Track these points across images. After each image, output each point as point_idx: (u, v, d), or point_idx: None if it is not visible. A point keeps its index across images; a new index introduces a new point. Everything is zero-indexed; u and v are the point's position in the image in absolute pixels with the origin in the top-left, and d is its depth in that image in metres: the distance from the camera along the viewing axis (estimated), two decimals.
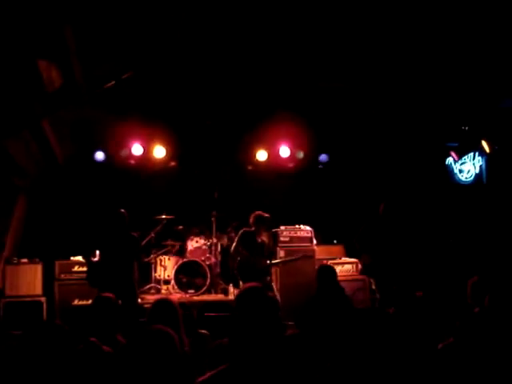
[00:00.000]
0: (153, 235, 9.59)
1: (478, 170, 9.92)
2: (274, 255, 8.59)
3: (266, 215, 8.14)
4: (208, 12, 7.08)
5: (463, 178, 10.08)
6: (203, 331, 4.90)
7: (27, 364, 2.89)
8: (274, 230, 9.01)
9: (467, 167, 10.02)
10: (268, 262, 8.15)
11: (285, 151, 10.18)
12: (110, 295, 4.55)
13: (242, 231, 8.27)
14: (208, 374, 2.91)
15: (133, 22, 6.87)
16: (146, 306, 7.87)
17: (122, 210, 7.45)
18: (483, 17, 7.05)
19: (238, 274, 8.06)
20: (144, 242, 9.01)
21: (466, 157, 10.01)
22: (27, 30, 5.60)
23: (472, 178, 9.98)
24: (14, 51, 5.85)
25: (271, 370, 2.91)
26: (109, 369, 3.13)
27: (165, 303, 4.25)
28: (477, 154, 9.90)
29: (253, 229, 8.16)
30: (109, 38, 6.92)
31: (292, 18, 7.24)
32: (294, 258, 8.71)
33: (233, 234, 9.38)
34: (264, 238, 8.33)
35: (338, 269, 8.40)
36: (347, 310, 4.89)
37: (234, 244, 8.29)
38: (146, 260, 9.29)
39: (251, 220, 8.17)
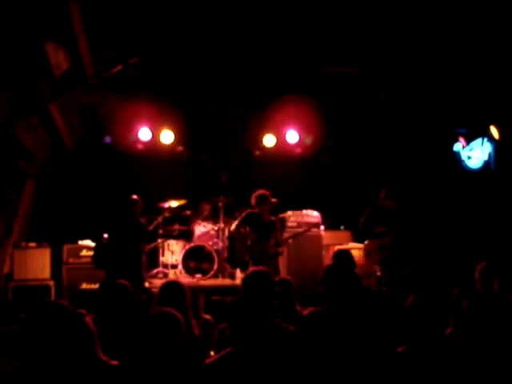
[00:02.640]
0: (160, 220, 9.60)
1: (486, 157, 9.84)
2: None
3: (267, 195, 7.86)
4: None
5: (471, 165, 10.01)
6: (207, 316, 4.90)
7: (32, 344, 2.89)
8: (281, 216, 8.88)
9: (475, 153, 9.94)
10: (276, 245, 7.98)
11: (292, 136, 10.13)
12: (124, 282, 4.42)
13: (246, 211, 8.02)
14: (214, 357, 2.92)
15: (141, 6, 6.85)
16: (153, 290, 7.92)
17: (135, 196, 7.49)
18: (494, 4, 7.00)
19: (248, 257, 7.92)
20: (151, 226, 9.01)
21: (474, 143, 9.94)
22: (34, 10, 5.58)
23: (480, 164, 9.90)
24: (21, 33, 5.84)
25: (273, 354, 2.92)
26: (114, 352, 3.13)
27: (173, 285, 4.26)
28: (485, 140, 9.82)
29: (257, 210, 7.91)
30: (117, 22, 6.91)
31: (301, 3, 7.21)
32: (301, 231, 8.56)
33: None
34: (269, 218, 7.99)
35: None
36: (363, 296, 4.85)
37: (235, 223, 8.09)
38: (154, 244, 9.29)
39: (253, 200, 7.88)
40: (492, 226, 9.16)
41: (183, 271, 9.32)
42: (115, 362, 2.97)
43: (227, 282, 9.27)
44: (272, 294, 3.86)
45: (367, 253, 8.06)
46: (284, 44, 8.14)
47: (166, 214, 9.62)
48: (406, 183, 9.11)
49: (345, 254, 5.98)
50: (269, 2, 7.18)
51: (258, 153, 10.51)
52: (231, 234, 9.28)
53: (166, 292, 4.16)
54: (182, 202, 9.70)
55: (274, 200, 7.89)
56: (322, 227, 9.28)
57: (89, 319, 3.07)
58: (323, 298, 3.84)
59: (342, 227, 10.08)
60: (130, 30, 7.24)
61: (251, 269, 4.20)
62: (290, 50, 8.31)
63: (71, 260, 8.88)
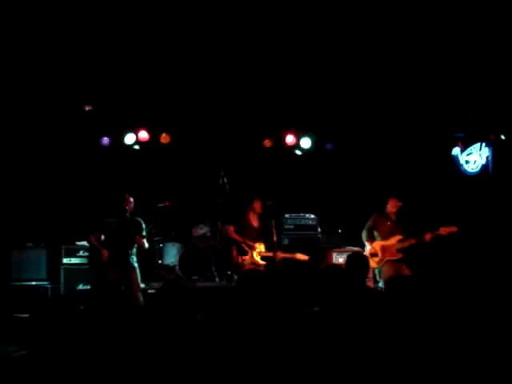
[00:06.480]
0: (158, 221, 9.60)
1: (484, 161, 9.85)
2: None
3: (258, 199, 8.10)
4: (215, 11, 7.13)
5: (469, 169, 10.02)
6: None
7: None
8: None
9: (473, 158, 9.95)
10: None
11: (290, 139, 10.12)
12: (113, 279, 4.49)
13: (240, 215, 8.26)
14: None
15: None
16: (149, 291, 7.94)
17: (127, 195, 7.47)
18: (493, 6, 7.02)
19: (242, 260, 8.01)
20: (148, 228, 9.01)
21: (472, 147, 9.96)
22: None
23: (478, 168, 9.91)
24: None
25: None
26: None
27: (175, 283, 4.24)
28: (483, 144, 9.84)
29: (250, 214, 8.15)
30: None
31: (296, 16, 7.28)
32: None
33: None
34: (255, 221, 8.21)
35: (342, 258, 8.46)
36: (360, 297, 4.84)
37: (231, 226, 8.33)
38: (151, 245, 9.28)
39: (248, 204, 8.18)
40: (490, 231, 9.17)
41: (180, 273, 9.31)
42: None
43: (224, 284, 9.28)
44: (267, 294, 3.87)
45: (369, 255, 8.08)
46: (283, 48, 8.18)
47: (163, 216, 9.63)
48: (404, 187, 9.12)
49: (358, 257, 5.93)
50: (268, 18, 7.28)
51: (256, 155, 10.49)
52: (226, 237, 9.35)
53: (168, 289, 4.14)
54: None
55: (269, 203, 7.96)
56: (319, 230, 9.29)
57: None
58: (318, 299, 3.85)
59: (339, 231, 10.07)
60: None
61: (247, 269, 4.20)
62: (290, 54, 8.35)
63: (68, 261, 8.87)
